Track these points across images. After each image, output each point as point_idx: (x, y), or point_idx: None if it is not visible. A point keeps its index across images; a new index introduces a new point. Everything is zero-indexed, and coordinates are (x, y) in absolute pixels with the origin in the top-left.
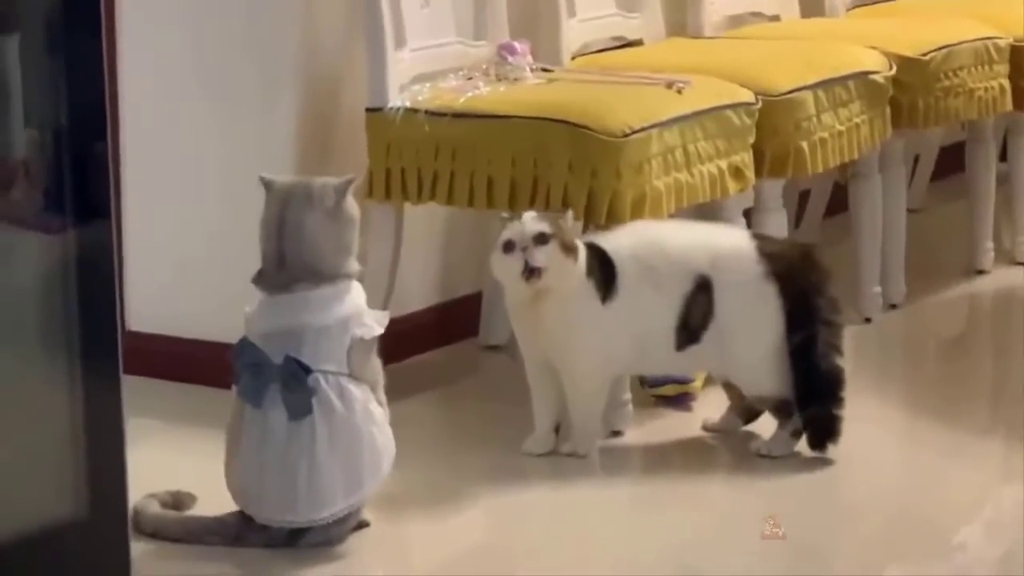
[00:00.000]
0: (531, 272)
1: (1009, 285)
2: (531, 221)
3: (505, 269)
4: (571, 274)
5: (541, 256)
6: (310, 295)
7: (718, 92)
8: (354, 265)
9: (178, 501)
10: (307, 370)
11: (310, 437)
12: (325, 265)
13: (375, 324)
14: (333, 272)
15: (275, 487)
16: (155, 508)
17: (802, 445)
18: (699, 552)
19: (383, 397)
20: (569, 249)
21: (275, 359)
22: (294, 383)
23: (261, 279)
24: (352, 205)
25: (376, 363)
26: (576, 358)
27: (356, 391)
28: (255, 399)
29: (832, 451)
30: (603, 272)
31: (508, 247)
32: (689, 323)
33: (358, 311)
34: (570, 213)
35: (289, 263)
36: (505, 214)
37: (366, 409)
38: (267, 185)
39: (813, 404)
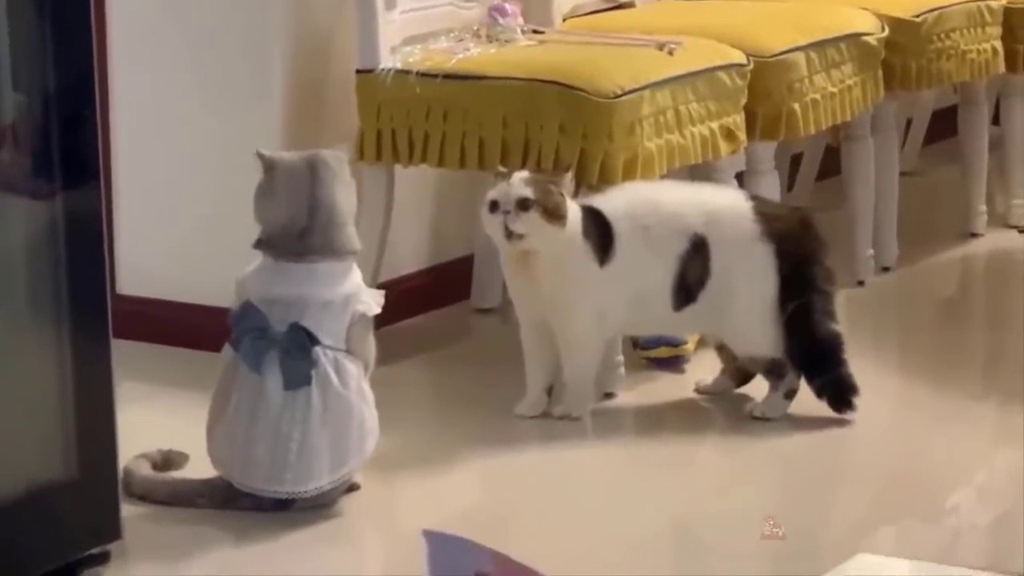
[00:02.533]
0: (511, 234)
1: (1002, 248)
2: (517, 184)
3: (491, 227)
4: (555, 239)
5: (520, 223)
6: (318, 267)
7: (710, 53)
8: (357, 241)
9: (169, 461)
10: (314, 340)
11: (305, 408)
12: (342, 240)
13: (374, 303)
14: (345, 248)
15: (265, 456)
16: (145, 470)
17: (796, 407)
18: (692, 514)
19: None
20: (553, 215)
21: (276, 326)
22: (298, 351)
23: (268, 245)
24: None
25: (372, 344)
26: (572, 319)
27: (352, 368)
28: (255, 364)
29: (825, 411)
30: (600, 234)
31: (492, 207)
32: (686, 282)
33: (359, 289)
34: (568, 175)
35: (311, 238)
36: (502, 168)
37: (360, 387)
38: (271, 162)
39: (821, 372)
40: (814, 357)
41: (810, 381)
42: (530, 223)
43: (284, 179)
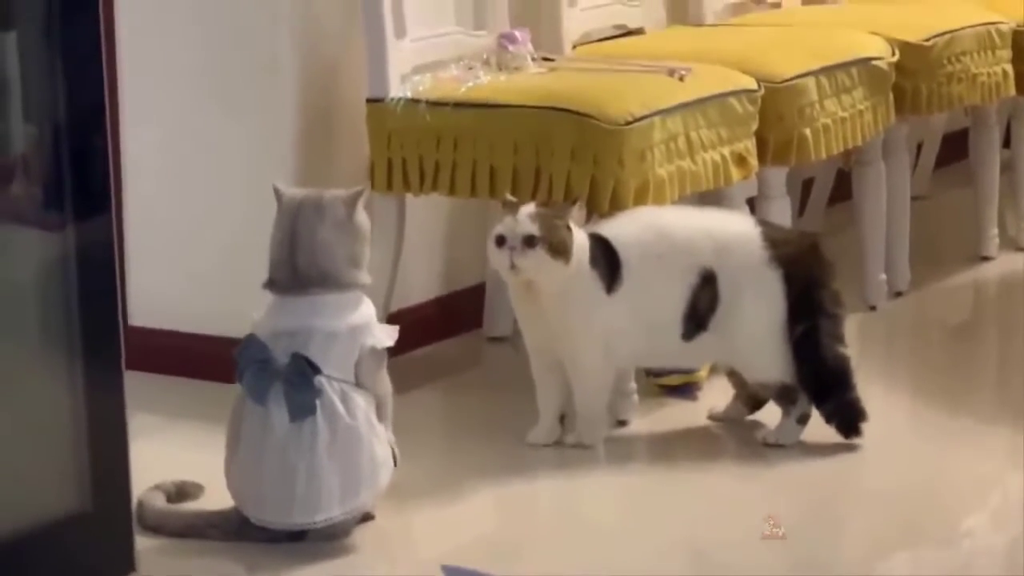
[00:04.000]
0: (515, 267)
1: (1014, 271)
2: (524, 220)
3: (497, 261)
4: (559, 274)
5: (526, 260)
6: (322, 299)
7: (720, 79)
8: (365, 277)
9: (184, 492)
10: (315, 369)
11: (311, 439)
12: (337, 273)
13: (385, 336)
14: (345, 281)
15: (273, 488)
16: (159, 502)
17: (809, 433)
18: (706, 542)
19: (390, 415)
20: (558, 251)
21: (281, 358)
22: (300, 381)
23: (271, 283)
24: (363, 218)
25: (386, 379)
26: (580, 348)
27: (360, 400)
28: (259, 396)
29: (838, 437)
30: (607, 262)
31: (499, 242)
32: (696, 310)
33: (368, 322)
34: (575, 208)
35: (302, 271)
36: (510, 197)
37: (368, 419)
38: (278, 196)
39: (829, 396)
40: (822, 381)
41: (819, 405)
42: (535, 260)
43: (277, 214)
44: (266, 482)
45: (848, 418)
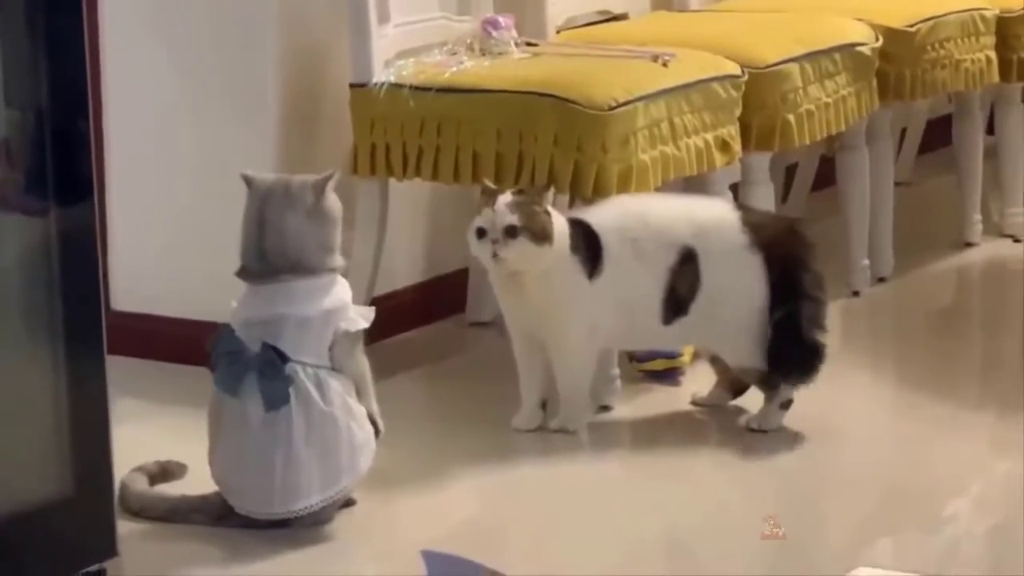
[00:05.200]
0: (499, 258)
1: (998, 257)
2: (503, 211)
3: (478, 251)
4: (543, 259)
5: (509, 251)
6: (292, 286)
7: (704, 65)
8: (338, 261)
9: (167, 472)
10: (284, 358)
11: (287, 428)
12: (306, 259)
13: (360, 318)
14: (315, 266)
15: (252, 479)
16: (141, 484)
17: (791, 419)
18: (689, 527)
19: (372, 393)
20: (540, 237)
21: (253, 348)
22: (271, 371)
23: (243, 271)
24: (333, 202)
25: (362, 359)
26: (563, 334)
27: (336, 384)
28: (232, 388)
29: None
30: (589, 248)
31: (480, 234)
32: (676, 295)
33: (342, 305)
34: (550, 192)
35: (270, 259)
36: (489, 184)
37: (345, 403)
38: (247, 182)
39: (795, 377)
40: (790, 362)
41: (781, 380)
42: (518, 249)
43: (248, 201)
44: (245, 472)
45: (799, 369)
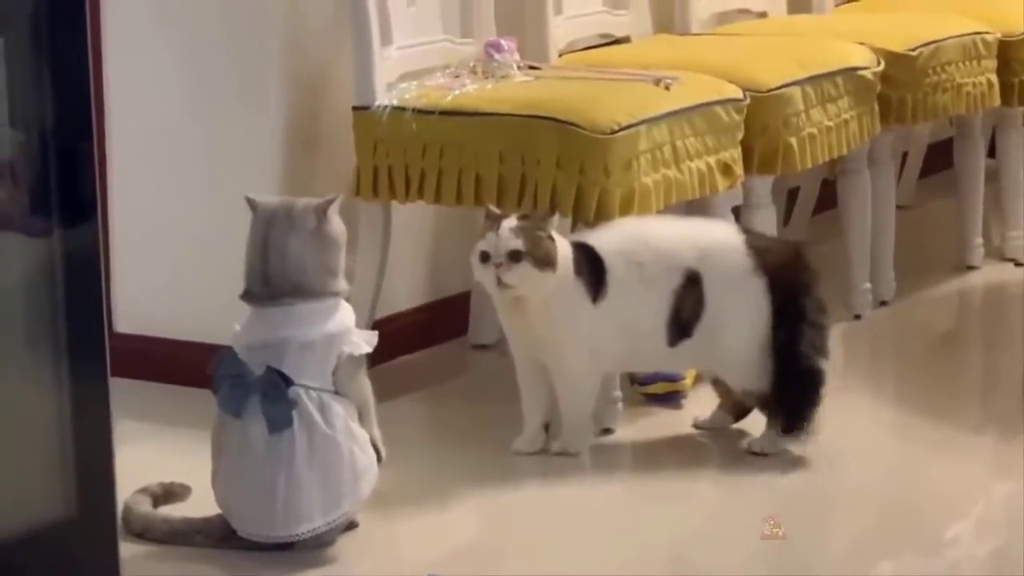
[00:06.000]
0: (503, 284)
1: (999, 281)
2: (507, 236)
3: (482, 275)
4: (546, 285)
5: (513, 276)
6: (295, 309)
7: (706, 88)
8: (341, 284)
9: (171, 493)
10: (288, 381)
11: (289, 451)
12: (309, 283)
13: (363, 342)
14: (318, 290)
15: (254, 502)
16: (145, 507)
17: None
18: (690, 550)
19: (374, 418)
20: (544, 263)
21: (256, 371)
22: (274, 394)
23: (247, 294)
24: (337, 226)
25: (365, 383)
26: (566, 357)
27: (339, 408)
28: (235, 410)
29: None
30: (592, 271)
31: (484, 258)
32: (680, 318)
33: (346, 329)
34: (555, 217)
35: (274, 282)
36: (492, 208)
37: (348, 427)
38: (251, 205)
39: (793, 406)
40: (789, 388)
41: (778, 405)
42: (522, 274)
43: (252, 224)
44: (248, 495)
45: (796, 416)
